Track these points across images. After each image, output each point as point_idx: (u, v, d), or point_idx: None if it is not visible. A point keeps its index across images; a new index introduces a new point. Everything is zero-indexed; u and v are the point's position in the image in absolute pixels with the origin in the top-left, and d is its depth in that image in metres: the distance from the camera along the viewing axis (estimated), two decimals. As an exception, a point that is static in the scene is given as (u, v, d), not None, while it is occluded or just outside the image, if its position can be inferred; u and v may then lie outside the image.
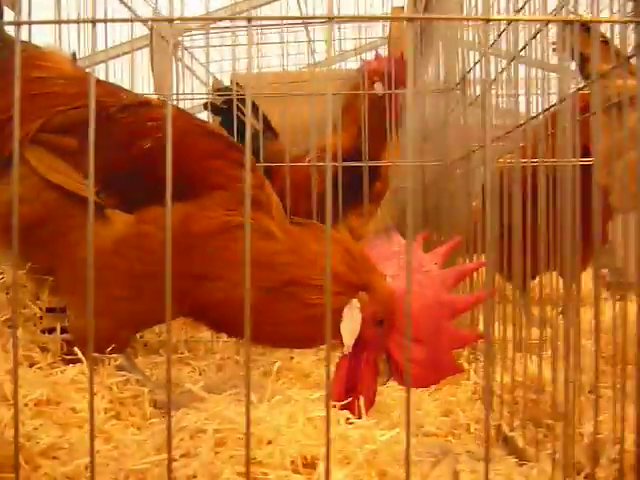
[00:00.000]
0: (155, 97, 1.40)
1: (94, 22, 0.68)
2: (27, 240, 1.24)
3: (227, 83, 3.49)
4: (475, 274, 1.82)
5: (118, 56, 2.95)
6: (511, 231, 1.38)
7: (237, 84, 2.50)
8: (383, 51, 3.39)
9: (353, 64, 3.63)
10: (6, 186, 1.26)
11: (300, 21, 3.01)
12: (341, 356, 1.24)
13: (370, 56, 2.86)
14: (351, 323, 1.20)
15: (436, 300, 1.18)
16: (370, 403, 1.20)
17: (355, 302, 1.20)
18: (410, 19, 0.68)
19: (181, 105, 2.49)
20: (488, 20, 0.69)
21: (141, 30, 3.09)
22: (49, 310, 1.36)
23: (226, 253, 1.21)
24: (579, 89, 0.94)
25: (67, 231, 1.24)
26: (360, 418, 1.03)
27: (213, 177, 1.26)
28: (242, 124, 2.06)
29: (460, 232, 1.95)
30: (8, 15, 1.44)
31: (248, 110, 0.90)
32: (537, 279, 1.58)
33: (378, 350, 1.21)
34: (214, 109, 2.30)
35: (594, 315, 1.06)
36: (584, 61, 1.13)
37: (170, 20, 0.70)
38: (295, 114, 2.72)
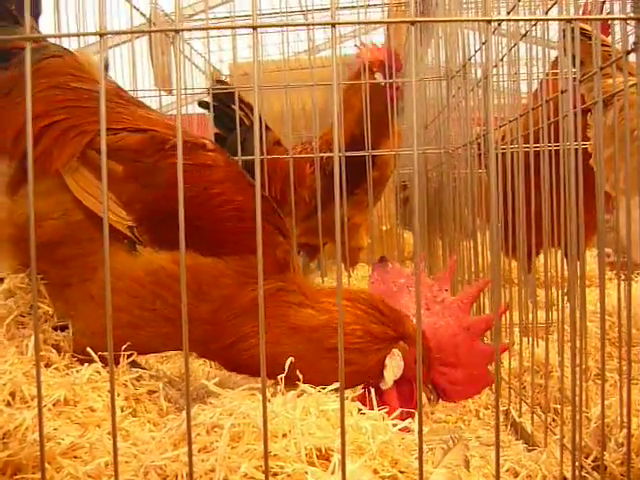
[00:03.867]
0: (209, 141, 1.34)
1: (102, 35, 0.69)
2: (43, 255, 1.22)
3: (226, 72, 3.49)
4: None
5: (117, 45, 2.94)
6: (515, 209, 1.40)
7: (218, 81, 2.51)
8: (383, 36, 3.40)
9: (350, 49, 3.62)
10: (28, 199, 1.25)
11: (298, 8, 3.00)
12: (384, 390, 1.29)
13: (368, 40, 2.86)
14: (394, 369, 1.27)
15: (460, 326, 1.29)
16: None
17: (396, 352, 1.27)
18: (413, 22, 0.69)
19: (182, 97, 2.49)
20: (490, 21, 0.70)
21: (140, 19, 3.08)
22: (61, 328, 1.36)
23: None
24: (581, 81, 0.95)
25: (88, 254, 1.22)
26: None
27: (254, 241, 1.26)
28: (233, 120, 2.07)
29: (463, 216, 1.97)
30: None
31: (256, 110, 0.88)
32: (542, 260, 1.60)
33: (424, 384, 1.29)
34: (206, 106, 2.29)
35: (599, 299, 1.08)
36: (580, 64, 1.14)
37: (175, 31, 0.71)
38: (296, 101, 2.72)
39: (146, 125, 1.28)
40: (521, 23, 1.43)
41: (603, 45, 1.14)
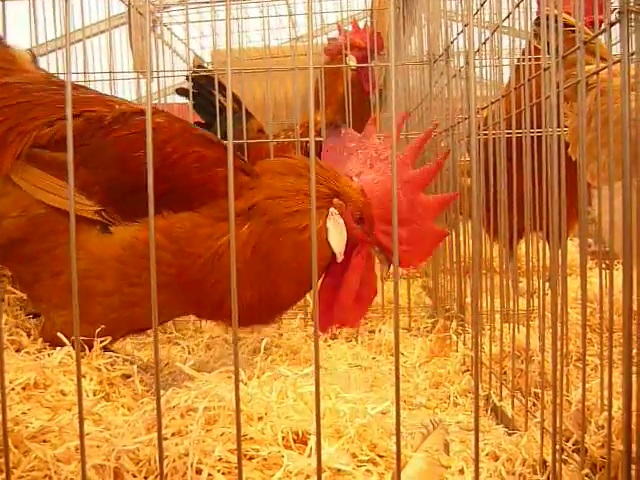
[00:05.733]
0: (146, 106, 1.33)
1: (68, -3, 0.66)
2: (8, 255, 1.22)
3: (208, 59, 3.45)
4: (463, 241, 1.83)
5: (95, 35, 2.90)
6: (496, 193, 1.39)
7: (199, 66, 2.47)
8: (365, 23, 3.37)
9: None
10: None
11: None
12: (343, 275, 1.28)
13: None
14: (337, 231, 1.25)
15: (400, 180, 1.23)
16: (372, 294, 1.28)
17: (333, 210, 1.25)
18: (392, -12, 0.66)
19: (162, 82, 2.46)
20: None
21: (118, 7, 3.03)
22: (34, 315, 1.35)
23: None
24: (564, 56, 0.94)
25: (56, 246, 1.20)
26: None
27: (219, 185, 1.24)
28: (213, 105, 2.03)
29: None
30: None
31: (229, 92, 0.86)
32: (524, 249, 1.60)
33: (368, 244, 1.27)
34: (184, 92, 2.26)
35: (580, 285, 1.07)
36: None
37: (146, -7, 0.68)
38: (278, 89, 2.69)
39: (80, 108, 1.26)
40: (504, 10, 1.42)
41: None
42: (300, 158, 1.29)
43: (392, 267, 1.28)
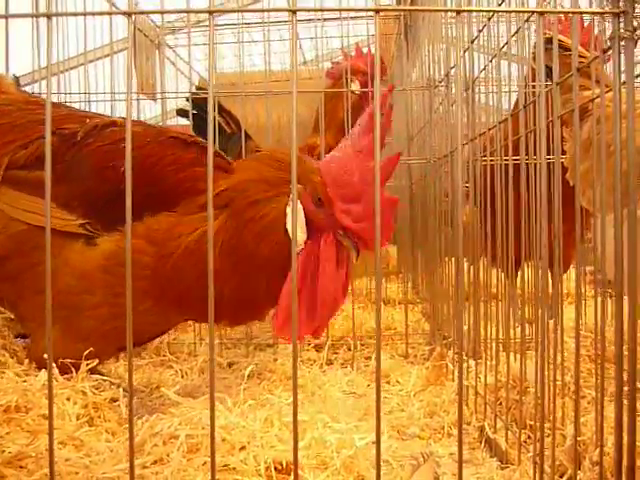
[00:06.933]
0: (117, 118, 1.36)
1: (49, 16, 0.66)
2: None
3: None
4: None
5: (99, 59, 2.92)
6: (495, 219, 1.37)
7: (200, 87, 2.48)
8: (368, 48, 3.39)
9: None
10: None
11: (285, 18, 2.98)
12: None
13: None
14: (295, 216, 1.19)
15: (353, 149, 1.19)
16: (344, 289, 1.22)
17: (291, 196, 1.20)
18: (377, 10, 0.65)
19: (164, 104, 2.47)
20: (459, 11, 0.67)
21: (123, 32, 3.05)
22: (23, 336, 1.34)
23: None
24: (557, 83, 0.92)
25: (39, 263, 1.19)
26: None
27: (197, 184, 1.25)
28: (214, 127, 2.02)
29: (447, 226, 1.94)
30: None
31: (210, 108, 0.86)
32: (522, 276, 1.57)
33: (332, 228, 1.21)
34: (184, 114, 2.26)
35: (575, 315, 1.05)
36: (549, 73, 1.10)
37: (129, 14, 0.68)
38: (282, 113, 2.70)
39: (54, 126, 1.26)
40: (501, 37, 1.41)
41: (580, 56, 1.12)
42: (275, 149, 1.28)
43: (359, 251, 1.22)
